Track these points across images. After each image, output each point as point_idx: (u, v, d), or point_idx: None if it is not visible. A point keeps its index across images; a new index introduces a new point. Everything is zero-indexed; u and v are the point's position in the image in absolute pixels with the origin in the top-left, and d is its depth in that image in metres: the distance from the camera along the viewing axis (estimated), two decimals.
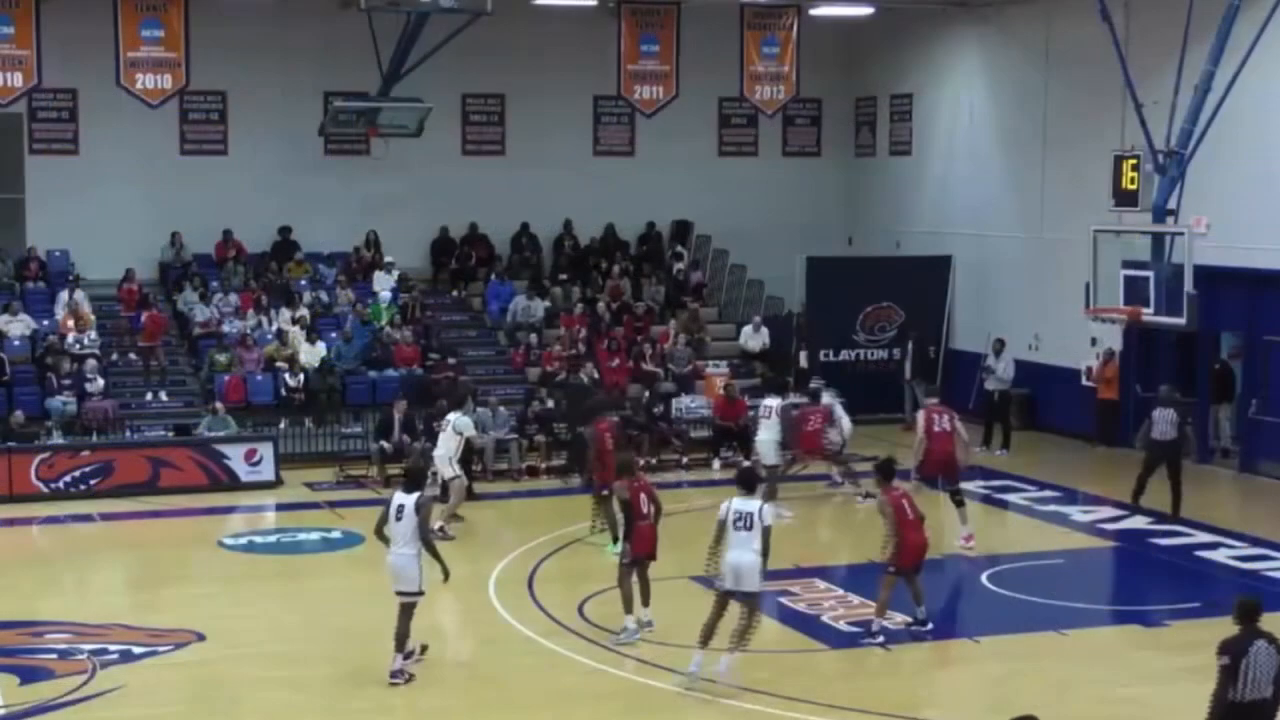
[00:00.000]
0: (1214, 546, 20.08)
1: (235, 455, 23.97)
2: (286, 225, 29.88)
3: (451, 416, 21.07)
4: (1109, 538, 21.20)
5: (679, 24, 28.61)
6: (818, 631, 16.40)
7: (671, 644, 15.74)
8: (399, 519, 14.59)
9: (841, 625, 16.60)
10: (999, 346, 27.32)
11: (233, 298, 28.34)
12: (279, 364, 26.62)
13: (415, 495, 14.68)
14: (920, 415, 20.56)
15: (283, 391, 26.31)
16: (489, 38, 28.03)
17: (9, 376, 25.45)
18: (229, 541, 20.92)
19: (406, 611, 14.61)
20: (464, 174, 30.94)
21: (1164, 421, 21.75)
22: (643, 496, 16.03)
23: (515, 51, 30.22)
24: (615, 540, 18.70)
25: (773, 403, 21.89)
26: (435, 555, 14.74)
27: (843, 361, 29.93)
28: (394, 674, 14.54)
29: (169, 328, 27.83)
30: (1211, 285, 23.85)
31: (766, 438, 21.73)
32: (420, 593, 14.64)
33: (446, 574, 14.86)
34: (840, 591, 17.93)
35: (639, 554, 15.97)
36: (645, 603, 16.11)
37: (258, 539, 21.22)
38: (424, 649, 15.09)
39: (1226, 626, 11.00)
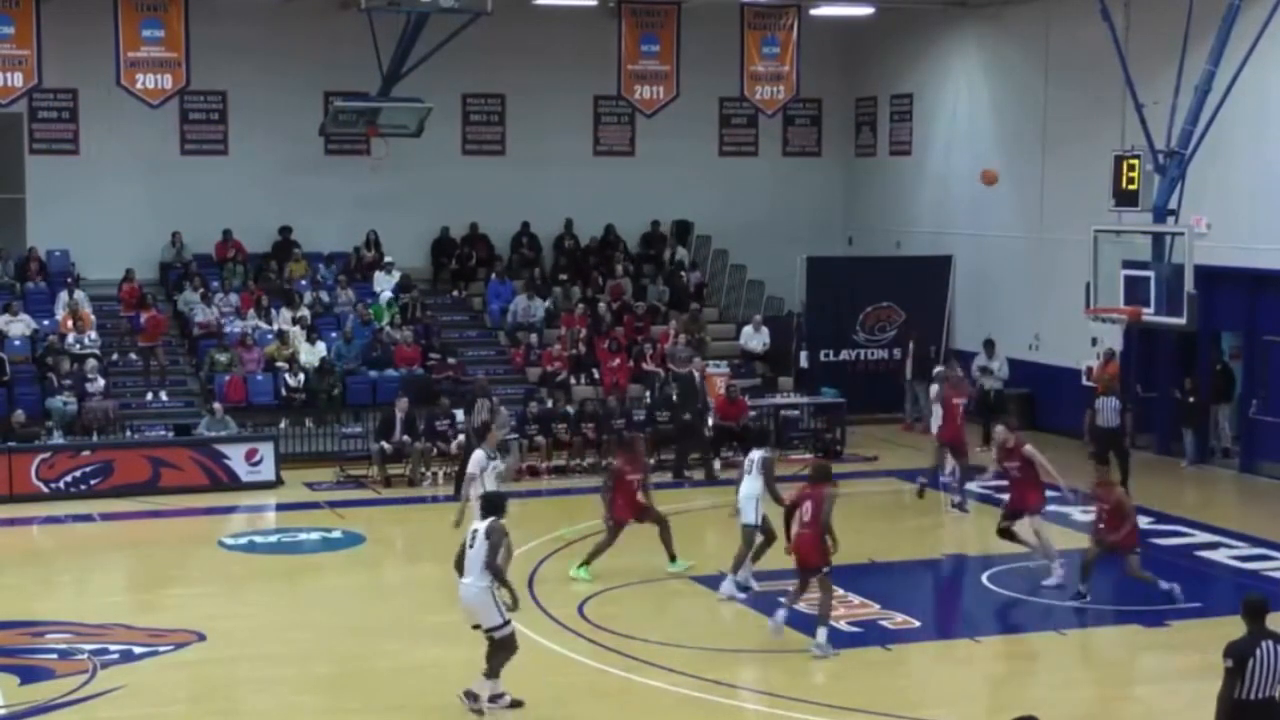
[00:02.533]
0: (1214, 546, 20.07)
1: (235, 455, 23.96)
2: (286, 225, 29.88)
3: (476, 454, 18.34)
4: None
5: (679, 24, 28.58)
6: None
7: (672, 644, 15.74)
8: (472, 546, 13.70)
9: (842, 625, 16.58)
10: (990, 347, 27.44)
11: (233, 298, 28.34)
12: (279, 364, 26.62)
13: (489, 521, 13.82)
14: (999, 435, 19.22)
15: (283, 391, 26.31)
16: (489, 38, 28.02)
17: (9, 376, 25.46)
18: (229, 541, 20.91)
19: (503, 645, 13.64)
20: (464, 174, 30.94)
21: (1107, 409, 22.73)
22: (807, 504, 15.68)
23: (515, 51, 30.22)
24: (673, 559, 18.57)
25: (755, 455, 18.26)
26: (503, 582, 13.68)
27: (843, 361, 29.94)
28: (471, 695, 13.67)
29: (169, 327, 27.83)
30: (1211, 285, 23.87)
31: (748, 493, 17.98)
32: (506, 623, 13.61)
33: (516, 602, 13.84)
34: (840, 591, 17.87)
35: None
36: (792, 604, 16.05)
37: (258, 539, 21.22)
38: (516, 703, 13.92)
39: (1226, 626, 11.00)
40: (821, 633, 15.48)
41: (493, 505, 14.11)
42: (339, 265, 30.05)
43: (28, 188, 29.02)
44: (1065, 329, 27.26)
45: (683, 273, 31.40)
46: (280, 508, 23.13)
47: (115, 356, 26.93)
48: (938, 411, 23.74)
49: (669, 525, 18.52)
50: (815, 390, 28.34)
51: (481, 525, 13.84)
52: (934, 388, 25.19)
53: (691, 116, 31.13)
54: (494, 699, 13.79)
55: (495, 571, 13.60)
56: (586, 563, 18.31)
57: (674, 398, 26.19)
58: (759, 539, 17.88)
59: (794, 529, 15.70)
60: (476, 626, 13.75)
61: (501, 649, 13.67)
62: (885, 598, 17.69)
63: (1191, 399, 25.30)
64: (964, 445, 22.79)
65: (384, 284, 29.16)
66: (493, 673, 13.71)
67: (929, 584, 19.06)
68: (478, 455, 18.09)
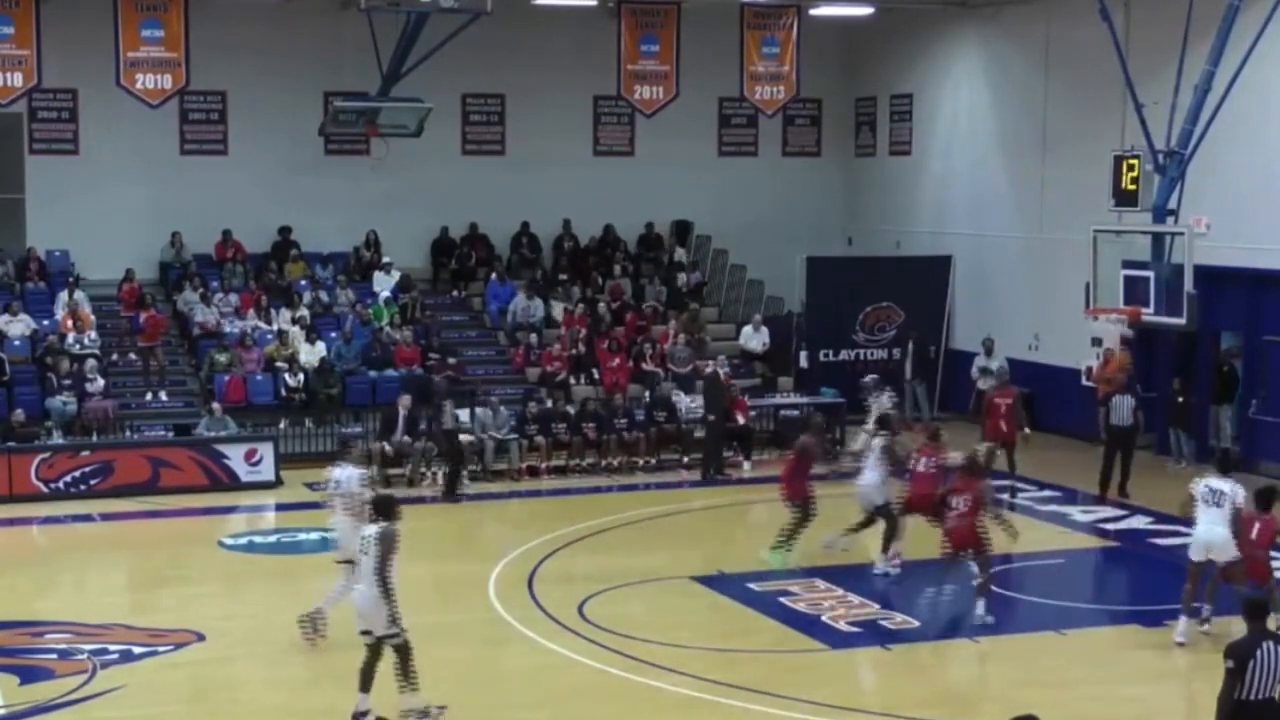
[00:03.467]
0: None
1: (235, 455, 23.96)
2: (286, 225, 29.88)
3: (336, 473, 16.53)
4: (1109, 538, 21.21)
5: (679, 24, 28.58)
6: (818, 631, 16.39)
7: (672, 644, 15.74)
8: (364, 552, 13.39)
9: (841, 625, 16.60)
10: (990, 344, 27.52)
11: (233, 298, 28.35)
12: (279, 364, 26.62)
13: (380, 526, 13.43)
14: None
15: (283, 391, 26.32)
16: (489, 38, 28.02)
17: (9, 376, 25.46)
18: (229, 541, 20.92)
19: (402, 651, 13.40)
20: (464, 174, 30.94)
21: (1123, 408, 22.85)
22: (962, 496, 16.57)
23: (515, 51, 30.22)
24: (776, 547, 18.82)
25: (876, 442, 19.10)
26: (387, 596, 13.25)
27: (843, 361, 29.93)
28: (418, 712, 13.47)
29: (168, 328, 27.80)
30: (1211, 285, 23.88)
31: (872, 479, 18.79)
32: (398, 631, 13.38)
33: (395, 621, 13.34)
34: (840, 591, 17.92)
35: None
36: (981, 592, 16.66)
37: (258, 539, 21.22)
38: (441, 709, 13.65)
39: (1225, 626, 10.99)
40: (981, 603, 16.45)
41: (384, 508, 13.64)
42: (338, 265, 30.06)
43: (28, 188, 29.00)
44: (1065, 329, 27.27)
45: (681, 273, 31.41)
46: (280, 508, 23.12)
47: (115, 356, 26.91)
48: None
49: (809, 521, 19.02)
50: (815, 390, 28.35)
51: (373, 530, 13.46)
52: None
53: (691, 116, 31.12)
54: (360, 716, 13.38)
55: (384, 583, 13.22)
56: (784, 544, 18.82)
57: (662, 395, 26.30)
58: (883, 520, 18.75)
59: (949, 520, 16.72)
60: (366, 633, 13.47)
61: (403, 655, 13.37)
62: (885, 598, 17.71)
63: (1180, 399, 25.29)
64: (1012, 443, 22.81)
65: (383, 284, 29.17)
66: (410, 683, 13.36)
67: (929, 584, 19.02)
68: (349, 474, 16.28)
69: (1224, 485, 15.64)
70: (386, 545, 13.31)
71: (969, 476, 16.84)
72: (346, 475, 16.25)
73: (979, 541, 16.65)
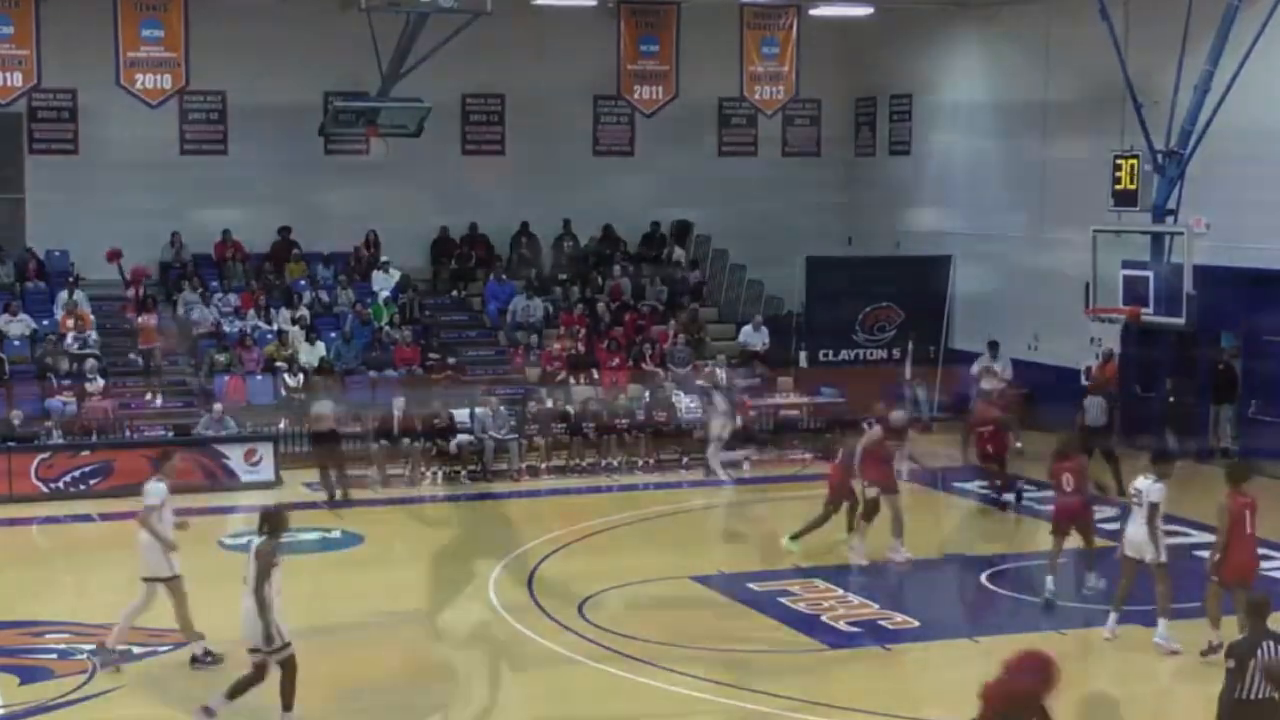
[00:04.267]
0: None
1: (235, 455, 23.96)
2: (286, 225, 29.88)
3: (148, 486, 15.44)
4: (1109, 538, 21.16)
5: (679, 24, 28.60)
6: (818, 631, 16.39)
7: (672, 644, 15.74)
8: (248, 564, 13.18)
9: (841, 625, 16.60)
10: (995, 347, 27.53)
11: (232, 298, 28.35)
12: (279, 364, 26.62)
13: (260, 540, 13.23)
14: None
15: (282, 391, 26.31)
16: (489, 38, 28.00)
17: (9, 376, 25.45)
18: (229, 541, 20.85)
19: (258, 671, 13.15)
20: (464, 174, 30.95)
21: (1094, 409, 23.05)
22: (1066, 475, 17.30)
23: (515, 51, 30.22)
24: (794, 538, 19.19)
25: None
26: (263, 612, 12.99)
27: (843, 361, 29.91)
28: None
29: (170, 334, 27.75)
30: (1211, 285, 23.87)
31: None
32: (265, 651, 13.07)
33: (269, 640, 13.10)
34: (840, 591, 17.93)
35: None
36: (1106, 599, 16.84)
37: (257, 539, 21.13)
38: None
39: (1227, 626, 10.99)
40: (1091, 576, 17.49)
41: (270, 521, 13.34)
42: (338, 265, 30.06)
43: (27, 188, 29.02)
44: (1065, 329, 27.26)
45: (681, 273, 31.41)
46: (279, 508, 23.06)
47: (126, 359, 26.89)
48: None
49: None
50: (815, 390, 28.34)
51: (254, 544, 13.19)
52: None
53: (691, 116, 31.13)
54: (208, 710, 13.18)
55: (259, 599, 12.98)
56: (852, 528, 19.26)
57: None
58: None
59: (1059, 499, 17.48)
60: (249, 649, 13.29)
61: (251, 677, 13.15)
62: (885, 598, 17.71)
63: (1172, 399, 25.25)
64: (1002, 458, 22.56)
65: (383, 284, 29.17)
66: (232, 695, 13.20)
67: (929, 584, 19.03)
68: (158, 487, 15.29)
69: (1143, 484, 15.58)
70: (265, 561, 13.10)
71: (1065, 456, 17.46)
72: (151, 489, 15.32)
73: (1088, 516, 17.33)
